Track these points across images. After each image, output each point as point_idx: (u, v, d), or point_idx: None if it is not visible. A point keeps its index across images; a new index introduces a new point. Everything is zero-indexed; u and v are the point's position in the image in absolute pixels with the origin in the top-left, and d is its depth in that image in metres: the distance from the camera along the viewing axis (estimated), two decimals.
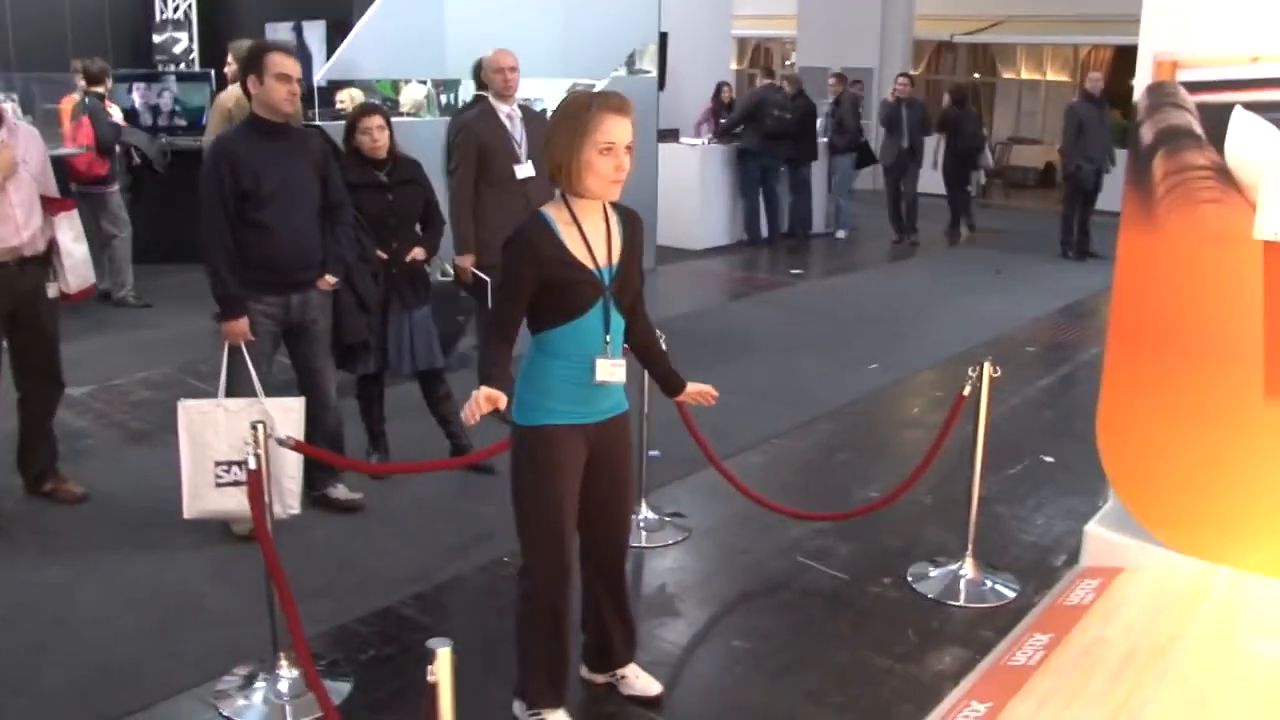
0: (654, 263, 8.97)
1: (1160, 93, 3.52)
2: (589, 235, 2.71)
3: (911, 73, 11.65)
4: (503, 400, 2.60)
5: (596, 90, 2.74)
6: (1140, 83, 3.58)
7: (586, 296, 2.70)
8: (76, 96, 7.65)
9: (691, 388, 3.10)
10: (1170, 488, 3.62)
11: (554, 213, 2.71)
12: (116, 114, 7.85)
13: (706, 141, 11.04)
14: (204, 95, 9.41)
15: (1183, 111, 3.47)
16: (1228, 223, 3.39)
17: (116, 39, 10.73)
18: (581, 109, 2.63)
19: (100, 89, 7.63)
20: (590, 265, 2.70)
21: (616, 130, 2.62)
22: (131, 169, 7.98)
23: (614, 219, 2.79)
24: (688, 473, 4.74)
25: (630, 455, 2.96)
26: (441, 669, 1.85)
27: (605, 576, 3.01)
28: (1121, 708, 2.87)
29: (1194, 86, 3.45)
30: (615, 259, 2.76)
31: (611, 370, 2.76)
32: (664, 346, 3.97)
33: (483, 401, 2.55)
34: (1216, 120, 3.39)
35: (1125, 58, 14.52)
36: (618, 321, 2.79)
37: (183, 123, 9.44)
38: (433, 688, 1.85)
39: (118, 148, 7.65)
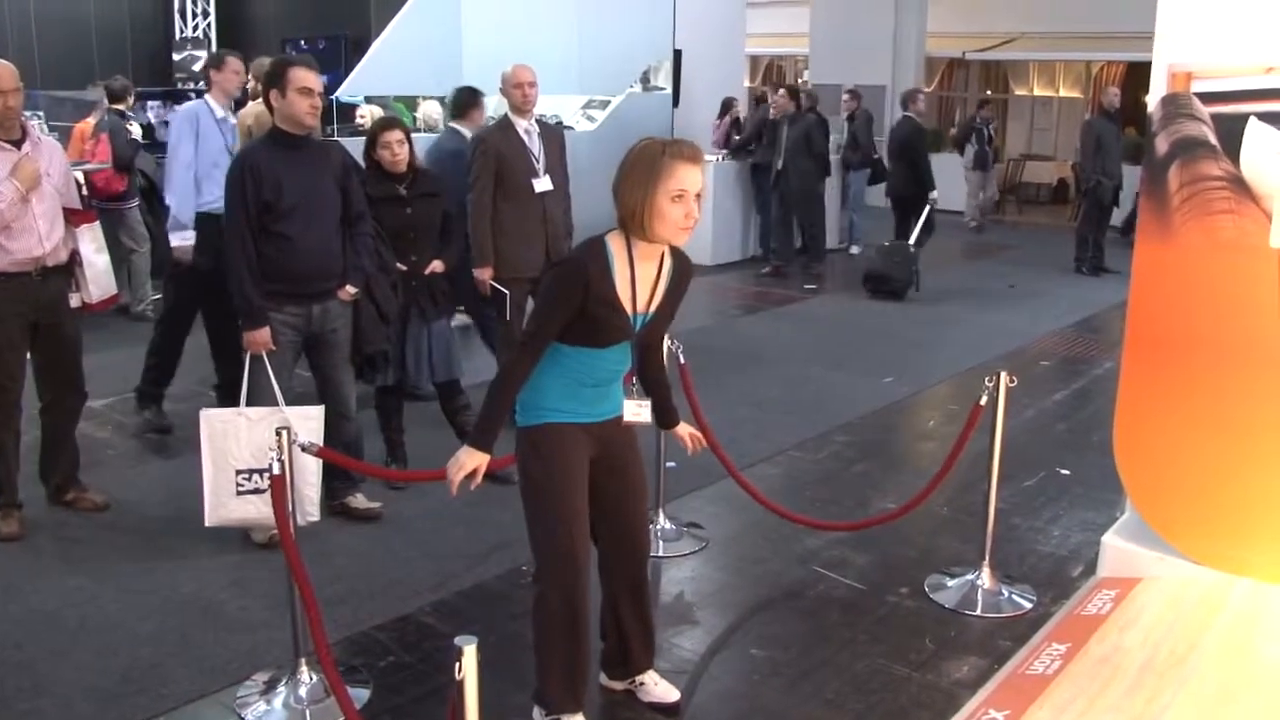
0: None
1: (1175, 104, 3.54)
2: (638, 279, 2.74)
3: (797, 85, 10.46)
4: (483, 467, 2.73)
5: (668, 138, 2.76)
6: (1155, 94, 3.60)
7: (612, 337, 2.75)
8: (93, 121, 7.76)
9: (683, 428, 3.21)
10: (1187, 498, 3.62)
11: (615, 246, 2.72)
12: (136, 132, 7.94)
13: (720, 158, 11.07)
14: None
15: (1197, 122, 3.49)
16: (1243, 233, 3.40)
17: (137, 57, 10.89)
18: (655, 156, 2.64)
19: (122, 106, 7.74)
20: (628, 310, 2.74)
21: (689, 178, 2.64)
22: (143, 191, 8.08)
23: (667, 264, 2.81)
24: (704, 483, 4.76)
25: (638, 453, 2.99)
26: (468, 665, 1.87)
27: (627, 578, 3.00)
28: (1140, 716, 2.88)
29: (1209, 97, 3.47)
30: (654, 307, 2.81)
31: (637, 411, 2.91)
32: (682, 359, 4.03)
33: (466, 464, 2.70)
34: (1231, 131, 3.41)
35: (1137, 74, 14.52)
36: (634, 360, 2.90)
37: None
38: (459, 684, 1.87)
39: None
